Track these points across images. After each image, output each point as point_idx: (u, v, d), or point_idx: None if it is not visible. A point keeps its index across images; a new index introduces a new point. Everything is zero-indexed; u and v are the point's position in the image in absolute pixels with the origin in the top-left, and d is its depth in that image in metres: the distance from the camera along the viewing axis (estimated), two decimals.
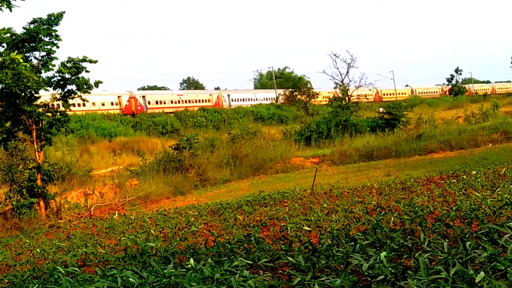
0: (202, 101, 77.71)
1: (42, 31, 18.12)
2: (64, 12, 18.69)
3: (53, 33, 18.50)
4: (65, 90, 19.50)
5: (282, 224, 9.12)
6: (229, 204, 14.06)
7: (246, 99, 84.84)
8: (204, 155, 28.17)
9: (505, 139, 29.54)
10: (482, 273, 4.23)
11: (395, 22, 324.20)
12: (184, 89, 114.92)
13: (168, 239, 9.32)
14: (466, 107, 53.79)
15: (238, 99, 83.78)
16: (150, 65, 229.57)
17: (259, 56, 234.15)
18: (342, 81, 57.15)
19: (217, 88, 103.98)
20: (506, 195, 8.32)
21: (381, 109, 43.80)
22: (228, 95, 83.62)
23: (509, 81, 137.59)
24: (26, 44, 18.20)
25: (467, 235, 6.02)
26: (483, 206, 7.82)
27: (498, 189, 9.67)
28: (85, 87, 19.37)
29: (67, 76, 19.14)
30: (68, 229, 14.87)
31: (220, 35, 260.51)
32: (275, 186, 21.22)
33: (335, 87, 62.07)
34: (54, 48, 18.70)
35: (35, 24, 18.22)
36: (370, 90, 69.58)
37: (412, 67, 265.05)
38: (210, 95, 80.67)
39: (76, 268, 6.96)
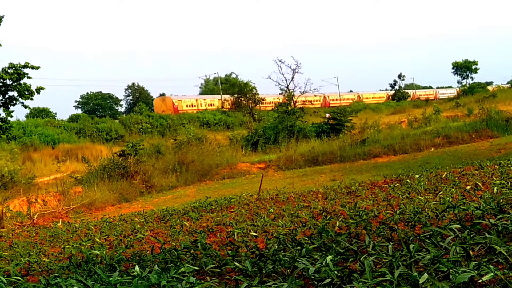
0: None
1: None
2: (3, 17, 18.20)
3: None
4: (6, 96, 19.01)
5: (229, 229, 9.10)
6: (175, 210, 13.94)
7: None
8: (149, 161, 27.90)
9: (447, 143, 30.20)
10: (425, 275, 4.29)
11: (341, 26, 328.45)
12: (129, 96, 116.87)
13: (114, 247, 9.19)
14: (409, 112, 54.99)
15: None
16: (94, 71, 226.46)
17: (205, 62, 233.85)
18: (287, 87, 57.41)
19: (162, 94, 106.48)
20: (448, 198, 8.48)
21: (327, 115, 44.17)
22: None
23: (450, 86, 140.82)
24: None
25: (410, 238, 6.11)
26: (426, 209, 7.94)
27: (441, 192, 9.84)
28: (27, 93, 18.93)
29: (8, 82, 18.66)
30: (10, 238, 14.49)
31: (164, 41, 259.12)
32: (222, 192, 21.16)
33: (281, 93, 62.43)
34: None
35: None
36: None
37: (356, 73, 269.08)
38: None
39: (19, 278, 6.77)
